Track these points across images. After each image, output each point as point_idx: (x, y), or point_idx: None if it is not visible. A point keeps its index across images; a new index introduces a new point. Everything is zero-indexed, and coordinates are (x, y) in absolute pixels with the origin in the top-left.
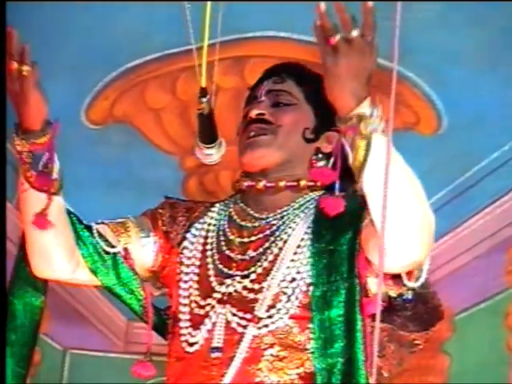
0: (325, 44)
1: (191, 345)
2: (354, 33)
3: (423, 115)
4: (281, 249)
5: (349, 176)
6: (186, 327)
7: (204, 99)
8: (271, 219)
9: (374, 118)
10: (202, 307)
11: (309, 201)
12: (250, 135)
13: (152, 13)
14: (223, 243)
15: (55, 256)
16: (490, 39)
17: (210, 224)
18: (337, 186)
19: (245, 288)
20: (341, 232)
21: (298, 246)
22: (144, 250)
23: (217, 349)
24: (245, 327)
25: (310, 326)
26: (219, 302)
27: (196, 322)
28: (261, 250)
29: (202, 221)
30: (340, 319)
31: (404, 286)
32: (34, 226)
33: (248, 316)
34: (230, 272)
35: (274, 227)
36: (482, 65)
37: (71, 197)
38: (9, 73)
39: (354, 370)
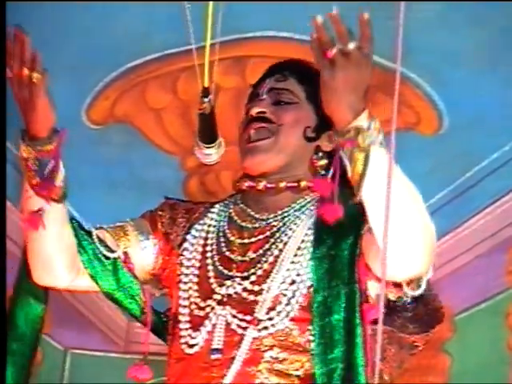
0: (322, 57)
1: (191, 346)
2: (351, 45)
3: (424, 115)
4: (281, 251)
5: (349, 182)
6: (186, 329)
7: (206, 99)
8: (272, 220)
9: (372, 131)
10: (202, 309)
11: (309, 202)
12: (251, 138)
13: (152, 13)
14: (223, 244)
15: (57, 264)
16: (490, 39)
17: (209, 225)
18: (335, 194)
19: (245, 290)
20: (342, 237)
21: (299, 249)
22: (144, 253)
23: (217, 350)
24: (245, 329)
25: (310, 328)
26: (219, 303)
27: (196, 324)
28: (261, 251)
29: (201, 222)
30: (340, 324)
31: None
32: (26, 223)
33: (248, 318)
34: (230, 273)
35: (275, 228)
36: (482, 65)
37: (72, 197)
38: (18, 78)
39: (354, 376)
